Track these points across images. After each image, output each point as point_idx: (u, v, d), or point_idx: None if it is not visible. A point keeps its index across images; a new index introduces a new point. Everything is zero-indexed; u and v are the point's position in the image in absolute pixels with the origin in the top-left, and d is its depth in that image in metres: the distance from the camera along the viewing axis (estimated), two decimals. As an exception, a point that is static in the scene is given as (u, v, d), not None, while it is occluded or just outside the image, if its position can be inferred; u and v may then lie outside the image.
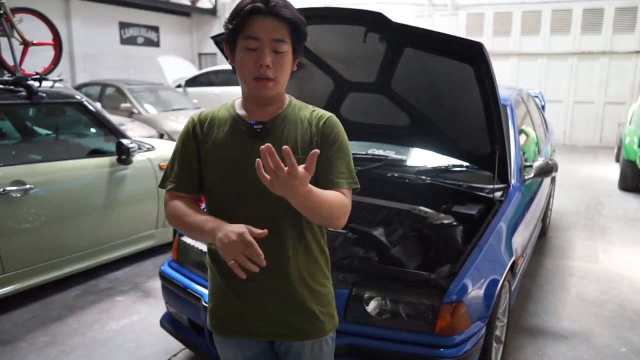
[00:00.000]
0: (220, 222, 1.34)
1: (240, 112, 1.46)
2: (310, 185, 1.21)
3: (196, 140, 1.46)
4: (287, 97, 1.49)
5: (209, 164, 1.44)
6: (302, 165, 1.16)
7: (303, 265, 1.46)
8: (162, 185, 1.52)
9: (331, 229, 2.53)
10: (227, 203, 1.44)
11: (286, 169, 1.13)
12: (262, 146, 1.12)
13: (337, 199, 1.34)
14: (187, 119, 1.51)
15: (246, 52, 1.35)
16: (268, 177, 1.15)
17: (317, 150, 1.16)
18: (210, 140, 1.44)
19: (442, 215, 2.72)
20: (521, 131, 3.65)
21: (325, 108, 1.51)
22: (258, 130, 1.39)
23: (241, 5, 1.35)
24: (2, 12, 3.62)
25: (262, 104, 1.43)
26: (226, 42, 1.41)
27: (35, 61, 4.28)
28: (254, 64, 1.34)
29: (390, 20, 2.26)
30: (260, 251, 1.25)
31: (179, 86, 11.47)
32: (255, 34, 1.33)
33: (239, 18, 1.34)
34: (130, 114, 8.52)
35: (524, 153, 3.39)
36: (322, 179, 1.39)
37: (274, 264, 1.41)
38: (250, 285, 1.43)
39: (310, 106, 1.51)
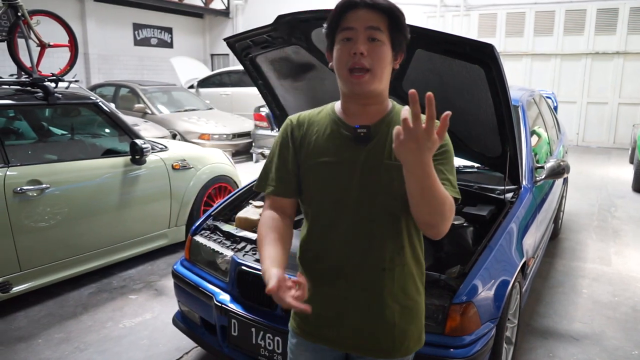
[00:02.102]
0: (269, 266, 1.25)
1: (341, 115, 1.39)
2: (431, 162, 1.10)
3: (293, 144, 1.41)
4: (390, 102, 1.41)
5: (308, 169, 1.39)
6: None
7: (398, 280, 1.37)
8: (259, 187, 1.48)
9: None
10: (325, 209, 1.38)
11: (423, 125, 1.04)
12: (410, 90, 1.04)
13: (447, 195, 1.20)
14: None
15: (342, 44, 1.30)
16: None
17: (449, 112, 1.05)
18: (309, 143, 1.39)
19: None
20: (533, 132, 3.64)
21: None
22: (362, 134, 1.30)
23: (335, 6, 1.32)
24: (20, 14, 3.70)
25: (363, 102, 1.35)
26: (327, 47, 1.37)
27: (52, 62, 4.36)
28: (348, 54, 1.28)
29: (402, 22, 2.27)
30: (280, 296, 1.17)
31: (191, 87, 11.56)
32: (349, 24, 1.28)
33: (333, 17, 1.31)
34: (143, 114, 8.62)
35: (535, 154, 3.38)
36: None
37: (367, 276, 1.36)
38: (339, 296, 1.39)
39: None
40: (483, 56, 2.22)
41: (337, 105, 1.43)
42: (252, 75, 2.98)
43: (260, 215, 1.47)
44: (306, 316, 1.43)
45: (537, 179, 3.04)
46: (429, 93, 1.04)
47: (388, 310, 1.37)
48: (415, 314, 1.43)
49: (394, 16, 1.30)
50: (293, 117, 1.47)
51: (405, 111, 1.06)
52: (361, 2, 1.28)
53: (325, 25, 1.35)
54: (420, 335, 1.47)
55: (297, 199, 1.46)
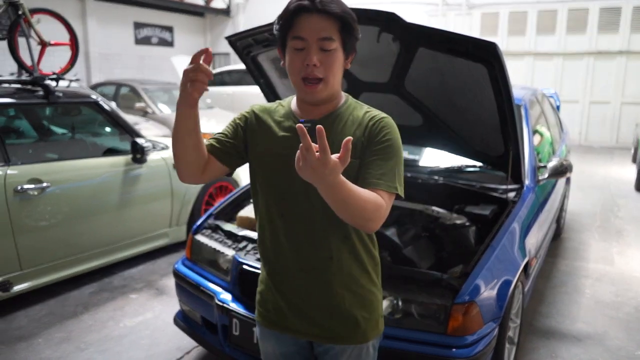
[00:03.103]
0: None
1: (294, 109, 1.44)
2: (342, 178, 1.14)
3: (245, 129, 1.45)
4: (344, 96, 1.45)
5: (257, 158, 1.43)
6: (336, 155, 1.09)
7: (347, 268, 1.41)
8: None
9: None
10: (272, 198, 1.43)
11: (317, 153, 1.06)
12: (298, 124, 1.07)
13: (371, 199, 1.24)
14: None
15: (294, 52, 1.32)
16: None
17: (350, 138, 1.09)
18: (261, 133, 1.43)
19: (455, 215, 2.72)
20: (535, 131, 3.62)
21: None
22: (306, 128, 1.37)
23: (288, 5, 1.32)
24: (20, 12, 3.69)
25: (317, 103, 1.40)
26: (278, 46, 1.39)
27: (52, 61, 4.35)
28: (301, 64, 1.31)
29: (404, 21, 2.26)
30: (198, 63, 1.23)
31: (192, 86, 11.52)
32: (300, 33, 1.30)
33: (285, 19, 1.32)
34: (144, 113, 8.60)
35: (538, 153, 3.37)
36: (361, 179, 1.31)
37: (315, 263, 1.41)
38: (292, 284, 1.44)
39: (365, 106, 1.45)
40: (486, 54, 2.21)
41: (295, 98, 1.47)
42: (254, 74, 2.97)
43: None
44: (266, 306, 1.51)
45: (540, 178, 3.03)
46: (319, 126, 1.05)
47: (338, 297, 1.42)
48: (368, 302, 1.46)
49: (346, 21, 1.31)
50: (255, 106, 1.50)
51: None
52: (312, 7, 1.28)
53: (276, 24, 1.36)
54: (377, 322, 1.50)
55: (206, 160, 1.41)
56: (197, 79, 1.23)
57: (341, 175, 1.13)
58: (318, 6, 1.28)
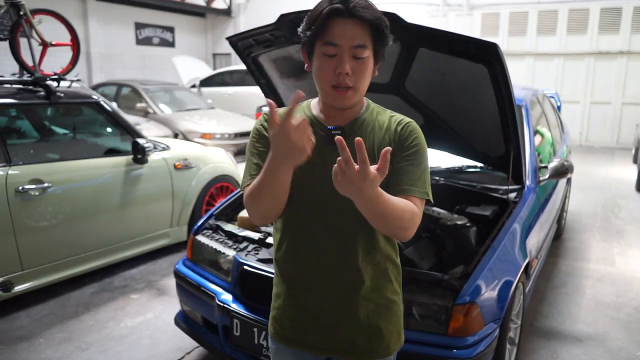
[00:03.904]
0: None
1: (317, 114, 1.39)
2: (380, 189, 1.11)
3: (268, 140, 1.34)
4: (365, 100, 1.40)
5: None
6: (374, 166, 1.06)
7: (372, 279, 1.38)
8: (242, 186, 1.41)
9: None
10: (300, 208, 1.37)
11: (357, 166, 1.03)
12: (336, 137, 1.04)
13: (407, 208, 1.22)
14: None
15: (324, 58, 1.27)
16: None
17: (389, 148, 1.05)
18: None
19: (456, 216, 2.72)
20: (536, 132, 3.62)
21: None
22: (335, 135, 1.24)
23: (319, 8, 1.26)
24: (22, 13, 3.69)
25: (342, 109, 1.36)
26: (303, 48, 1.34)
27: (54, 61, 4.35)
28: (332, 71, 1.26)
29: (405, 21, 2.25)
30: (304, 120, 1.15)
31: (193, 86, 11.56)
32: (334, 39, 1.24)
33: (317, 22, 1.25)
34: (145, 113, 8.61)
35: (539, 154, 3.37)
36: (393, 186, 1.27)
37: (342, 276, 1.36)
38: (315, 298, 1.39)
39: (388, 111, 1.42)
40: (487, 55, 2.21)
41: (314, 103, 1.42)
42: (255, 75, 2.97)
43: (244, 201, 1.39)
44: (283, 322, 1.45)
45: (541, 178, 3.02)
46: (358, 138, 1.03)
47: (362, 310, 1.38)
48: (392, 313, 1.43)
49: (379, 28, 1.27)
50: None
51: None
52: (346, 11, 1.23)
53: (303, 26, 1.30)
54: (399, 334, 1.47)
55: None
56: (307, 137, 1.16)
57: (378, 187, 1.10)
58: (352, 11, 1.23)
